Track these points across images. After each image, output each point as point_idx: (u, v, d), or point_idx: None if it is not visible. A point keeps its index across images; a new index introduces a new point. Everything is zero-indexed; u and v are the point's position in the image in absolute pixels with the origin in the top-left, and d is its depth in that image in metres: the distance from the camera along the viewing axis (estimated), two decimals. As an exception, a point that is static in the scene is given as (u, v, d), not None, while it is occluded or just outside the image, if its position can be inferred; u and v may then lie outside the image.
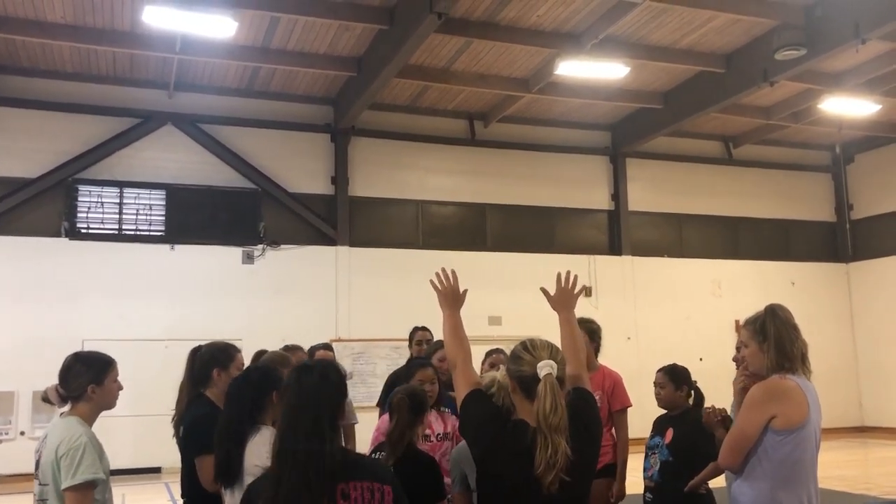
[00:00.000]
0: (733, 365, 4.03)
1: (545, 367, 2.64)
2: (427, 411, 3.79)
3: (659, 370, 4.80)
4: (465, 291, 3.20)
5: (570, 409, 2.67)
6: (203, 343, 4.11)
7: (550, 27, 12.10)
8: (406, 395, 3.66)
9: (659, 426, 4.73)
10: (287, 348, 5.34)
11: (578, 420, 2.68)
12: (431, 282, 3.21)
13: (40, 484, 3.27)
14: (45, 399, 3.43)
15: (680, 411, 4.67)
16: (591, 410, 2.84)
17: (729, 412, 3.86)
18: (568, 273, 3.25)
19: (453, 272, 3.19)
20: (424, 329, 6.60)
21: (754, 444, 3.07)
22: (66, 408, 3.38)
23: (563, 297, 3.20)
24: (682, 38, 12.66)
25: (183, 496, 3.84)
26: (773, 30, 12.04)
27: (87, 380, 3.32)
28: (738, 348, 3.62)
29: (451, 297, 3.15)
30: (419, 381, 4.34)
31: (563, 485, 2.54)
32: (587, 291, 15.78)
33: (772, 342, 3.17)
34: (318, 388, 2.47)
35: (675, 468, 4.44)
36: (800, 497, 3.07)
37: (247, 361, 4.35)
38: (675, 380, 4.69)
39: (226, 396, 3.45)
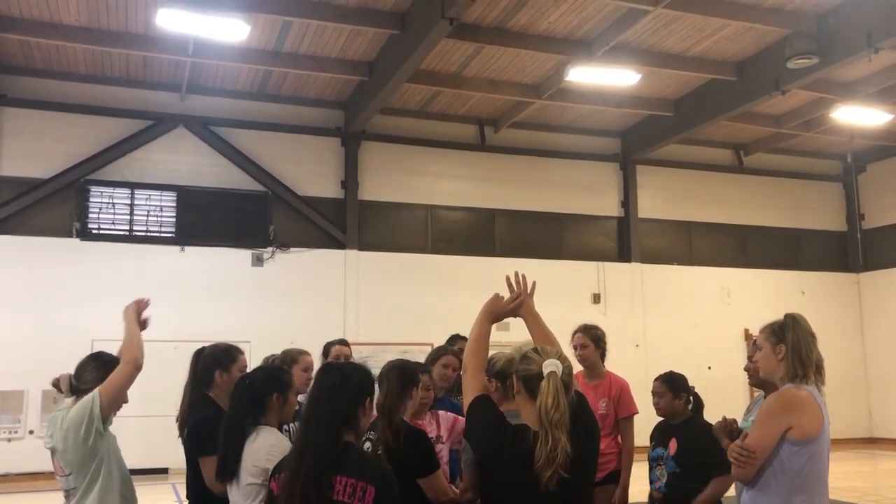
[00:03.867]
0: (742, 373, 4.01)
1: (550, 366, 2.69)
2: (416, 385, 3.77)
3: (656, 379, 4.74)
4: (517, 307, 3.20)
5: (571, 413, 2.70)
6: (208, 345, 4.12)
7: (562, 33, 12.10)
8: (395, 367, 3.69)
9: (660, 436, 4.66)
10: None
11: (578, 422, 2.71)
12: (507, 278, 3.25)
13: (65, 475, 3.41)
14: (55, 385, 3.57)
15: (682, 420, 4.61)
16: (589, 412, 2.89)
17: (739, 422, 3.83)
18: (517, 274, 3.26)
19: (528, 280, 3.24)
20: (464, 339, 6.53)
21: (769, 455, 3.05)
22: (69, 401, 3.54)
23: (529, 303, 3.21)
24: (694, 46, 12.65)
25: (188, 497, 3.85)
26: (785, 38, 12.00)
27: (100, 377, 3.48)
28: (749, 357, 3.59)
29: (496, 308, 3.18)
30: (442, 367, 4.97)
31: (561, 482, 2.57)
32: (595, 298, 15.88)
33: (789, 346, 3.15)
34: (335, 388, 2.72)
35: (683, 479, 4.39)
36: None
37: (256, 363, 4.34)
38: (673, 388, 4.63)
39: (231, 396, 3.48)
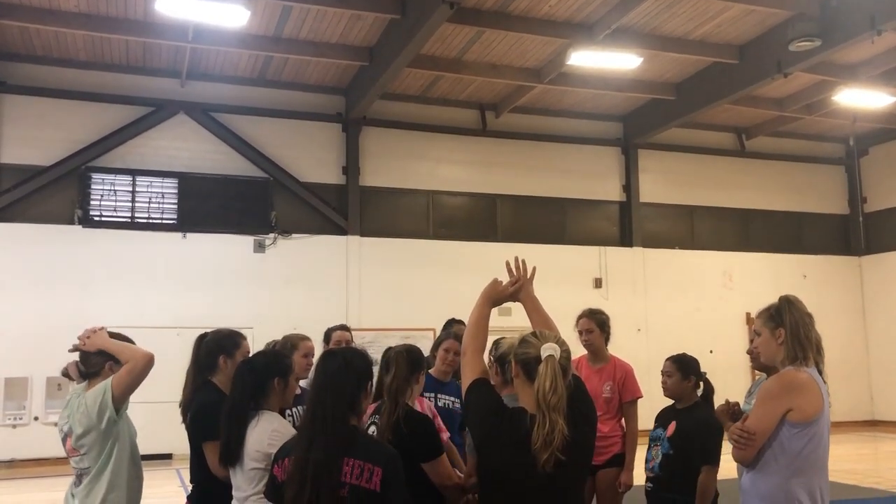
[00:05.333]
0: (744, 357, 4.03)
1: (548, 349, 2.72)
2: (422, 371, 3.77)
3: (668, 359, 4.74)
4: (516, 292, 3.21)
5: (568, 397, 2.74)
6: (210, 330, 4.13)
7: (563, 17, 12.04)
8: (404, 350, 3.71)
9: (663, 418, 4.69)
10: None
11: (576, 406, 2.73)
12: (507, 263, 3.26)
13: (80, 455, 3.48)
14: (65, 374, 3.69)
15: (687, 405, 4.61)
16: (587, 398, 2.90)
17: (742, 405, 3.85)
18: (517, 259, 3.27)
19: (528, 266, 3.25)
20: (461, 323, 6.55)
21: (769, 437, 3.06)
22: (81, 385, 3.61)
23: (528, 288, 3.22)
24: (696, 29, 12.59)
25: (192, 481, 3.88)
26: (787, 21, 11.95)
27: (105, 357, 3.56)
28: (752, 340, 3.60)
29: (496, 292, 3.18)
30: (444, 351, 5.06)
31: (558, 464, 2.60)
32: (597, 283, 15.90)
33: (787, 329, 3.14)
34: (338, 374, 2.79)
35: (674, 461, 4.43)
36: (812, 489, 3.06)
37: (258, 349, 4.35)
38: (682, 369, 4.62)
39: (232, 380, 3.50)
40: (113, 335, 3.67)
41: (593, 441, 2.89)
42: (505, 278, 3.24)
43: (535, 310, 3.13)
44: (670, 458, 4.45)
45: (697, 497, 4.32)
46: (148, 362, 3.51)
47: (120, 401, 3.47)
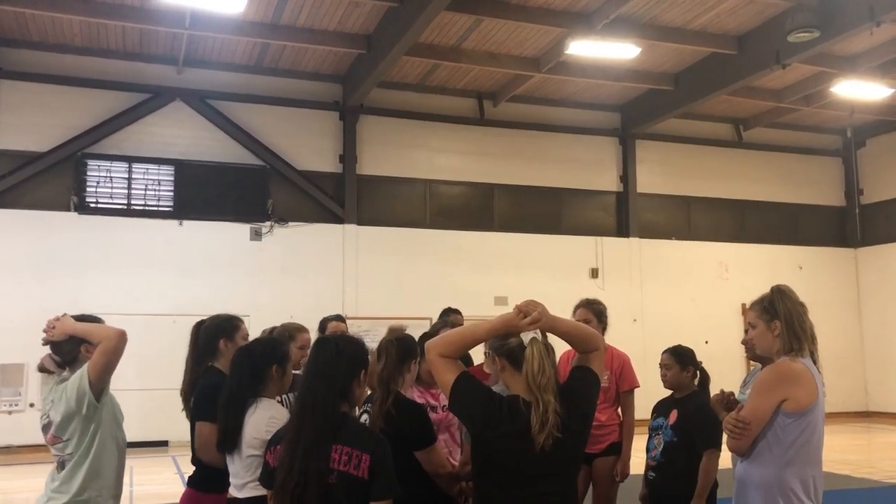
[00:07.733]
0: (739, 347, 4.04)
1: (530, 333, 2.75)
2: (415, 359, 3.71)
3: (664, 351, 4.82)
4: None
5: (564, 386, 2.78)
6: (207, 317, 4.12)
7: (561, 6, 12.00)
8: (395, 339, 3.70)
9: (663, 408, 4.76)
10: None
11: (569, 396, 2.75)
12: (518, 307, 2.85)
13: (63, 440, 3.39)
14: (42, 368, 3.55)
15: (686, 394, 4.69)
16: (585, 389, 2.85)
17: (737, 395, 3.87)
18: (517, 310, 2.83)
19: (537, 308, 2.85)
20: (458, 313, 6.54)
21: (764, 426, 3.08)
22: (66, 373, 3.50)
23: (548, 319, 2.83)
24: (694, 19, 12.55)
25: (193, 462, 3.87)
26: (786, 11, 11.91)
27: (77, 342, 3.44)
28: (747, 330, 3.62)
29: (513, 327, 2.79)
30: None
31: (555, 442, 2.64)
32: (593, 273, 15.92)
33: (782, 321, 3.16)
34: (329, 361, 2.78)
35: (678, 448, 4.50)
36: (805, 479, 3.08)
37: (253, 335, 4.35)
38: (680, 361, 4.71)
39: (230, 367, 3.49)
40: (79, 318, 3.51)
41: (586, 434, 2.88)
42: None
43: (566, 332, 2.88)
44: (674, 446, 4.53)
45: (700, 480, 4.38)
46: (121, 339, 3.36)
47: (98, 384, 3.34)
